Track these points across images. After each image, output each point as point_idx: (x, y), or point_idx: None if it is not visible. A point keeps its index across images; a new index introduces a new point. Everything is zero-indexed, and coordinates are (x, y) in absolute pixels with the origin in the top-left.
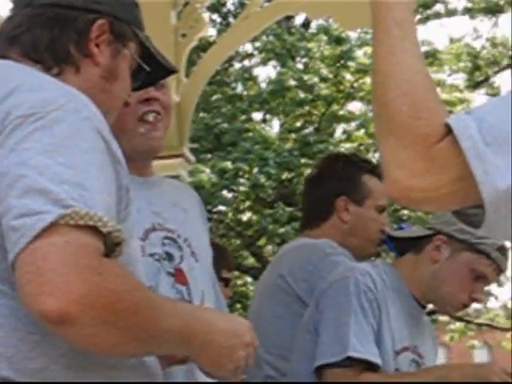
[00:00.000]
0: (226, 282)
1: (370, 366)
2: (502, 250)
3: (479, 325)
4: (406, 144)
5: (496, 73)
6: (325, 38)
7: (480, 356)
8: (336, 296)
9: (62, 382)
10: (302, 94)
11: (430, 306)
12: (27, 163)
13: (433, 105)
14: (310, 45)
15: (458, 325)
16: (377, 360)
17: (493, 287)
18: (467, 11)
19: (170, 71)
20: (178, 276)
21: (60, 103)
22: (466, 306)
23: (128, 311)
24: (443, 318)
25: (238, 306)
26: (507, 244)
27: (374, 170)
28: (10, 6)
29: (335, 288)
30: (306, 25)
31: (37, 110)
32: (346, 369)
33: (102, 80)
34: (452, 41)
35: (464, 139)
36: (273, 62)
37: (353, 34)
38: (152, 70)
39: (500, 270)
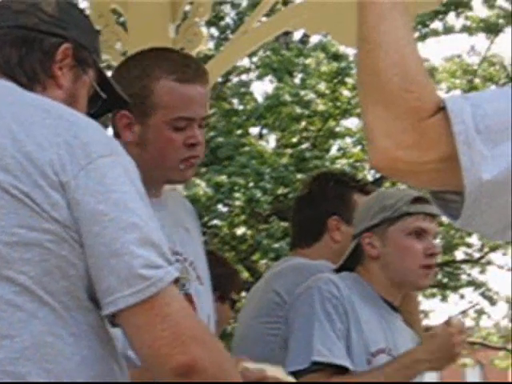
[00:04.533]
0: (232, 304)
1: (340, 370)
2: (417, 199)
3: (471, 343)
4: (395, 115)
5: None
6: (322, 54)
7: (472, 375)
8: (301, 307)
9: (64, 382)
10: (298, 110)
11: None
12: (135, 212)
13: (423, 79)
14: (308, 61)
15: None
16: (344, 362)
17: (485, 305)
18: (465, 29)
19: (125, 102)
20: (188, 302)
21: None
22: (428, 266)
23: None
24: None
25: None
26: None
27: (364, 189)
28: None
29: (300, 300)
30: (304, 41)
31: (113, 151)
32: (316, 374)
33: (65, 103)
34: (448, 58)
35: (456, 122)
36: (270, 77)
37: (350, 51)
38: (107, 99)
39: (430, 216)
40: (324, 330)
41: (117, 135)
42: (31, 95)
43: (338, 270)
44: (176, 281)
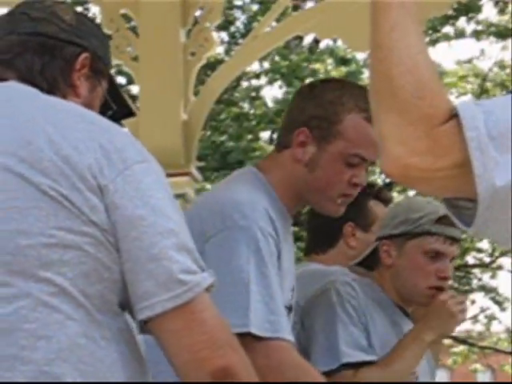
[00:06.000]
0: None
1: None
2: (443, 219)
3: (482, 348)
4: (409, 122)
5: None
6: (330, 60)
7: (483, 379)
8: (320, 309)
9: (68, 382)
10: None
11: None
12: (172, 218)
13: (436, 86)
14: (316, 65)
15: (461, 348)
16: (371, 358)
17: (496, 311)
18: (476, 34)
19: (131, 113)
20: None
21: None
22: (438, 288)
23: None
24: (446, 341)
25: None
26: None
27: (380, 196)
28: None
29: (318, 302)
30: (311, 47)
31: (146, 158)
32: (342, 372)
33: None
34: (459, 63)
35: (469, 128)
36: (279, 82)
37: (359, 55)
38: (116, 109)
39: (451, 239)
40: (348, 329)
41: (284, 147)
42: (60, 100)
43: (357, 265)
44: (208, 288)
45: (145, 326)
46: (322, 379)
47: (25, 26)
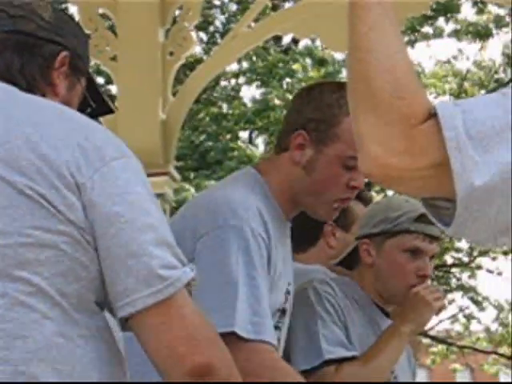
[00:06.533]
0: None
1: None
2: (422, 217)
3: (461, 347)
4: (386, 121)
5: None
6: (308, 60)
7: (462, 379)
8: (299, 308)
9: (63, 382)
10: None
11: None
12: (150, 213)
13: (414, 86)
14: (295, 66)
15: (440, 347)
16: (351, 353)
17: (475, 311)
18: (455, 33)
19: (109, 110)
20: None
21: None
22: (415, 286)
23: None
24: (425, 341)
25: None
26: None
27: (360, 196)
28: None
29: (297, 301)
30: (287, 48)
31: (124, 153)
32: (324, 369)
33: None
34: (438, 63)
35: (448, 128)
36: (257, 82)
37: (337, 56)
38: (94, 107)
39: (430, 237)
40: (328, 327)
41: (283, 150)
42: (39, 98)
43: (337, 265)
44: (189, 283)
45: (126, 323)
46: (303, 381)
47: (3, 24)
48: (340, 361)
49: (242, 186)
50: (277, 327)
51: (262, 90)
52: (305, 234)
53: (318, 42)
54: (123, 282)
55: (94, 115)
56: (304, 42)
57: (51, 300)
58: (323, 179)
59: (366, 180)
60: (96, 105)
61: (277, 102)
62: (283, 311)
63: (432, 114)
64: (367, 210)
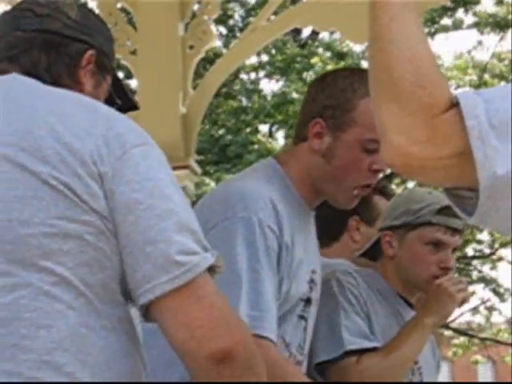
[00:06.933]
0: None
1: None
2: (444, 209)
3: (483, 339)
4: (409, 111)
5: None
6: (328, 54)
7: (484, 371)
8: (322, 299)
9: (58, 382)
10: None
11: None
12: (171, 199)
13: (436, 76)
14: (313, 60)
15: (462, 339)
16: (373, 344)
17: (496, 302)
18: (474, 25)
19: (135, 107)
20: None
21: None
22: (438, 277)
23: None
24: (447, 333)
25: None
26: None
27: (384, 191)
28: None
29: (320, 293)
30: (304, 43)
31: (146, 141)
32: (345, 359)
33: None
34: (458, 54)
35: (470, 117)
36: (277, 76)
37: (357, 48)
38: (120, 104)
39: (452, 229)
40: (350, 317)
41: (302, 140)
42: (60, 89)
43: (360, 256)
44: (212, 269)
45: (147, 312)
46: (302, 376)
47: (30, 23)
48: (362, 352)
49: (259, 177)
50: (302, 316)
51: (281, 83)
52: (329, 227)
53: (336, 35)
54: (142, 269)
55: (119, 111)
56: (322, 36)
57: (75, 290)
58: (344, 165)
59: (387, 172)
60: (121, 101)
61: (296, 95)
62: (308, 300)
63: (454, 104)
64: (390, 203)
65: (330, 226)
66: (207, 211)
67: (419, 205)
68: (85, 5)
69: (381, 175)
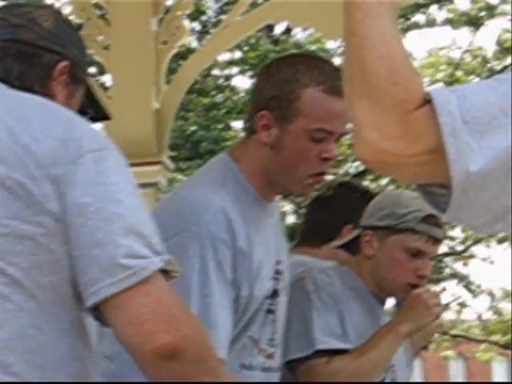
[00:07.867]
0: None
1: (338, 353)
2: (428, 218)
3: (454, 336)
4: (382, 107)
5: None
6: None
7: (455, 367)
8: (296, 296)
9: (59, 382)
10: None
11: None
12: (123, 203)
13: (409, 72)
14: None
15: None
16: (344, 346)
17: (468, 298)
18: (447, 22)
19: (106, 117)
20: None
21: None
22: (414, 286)
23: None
24: None
25: None
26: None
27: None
28: None
29: (294, 289)
30: (277, 39)
31: (103, 146)
32: (315, 359)
33: None
34: (431, 51)
35: (443, 114)
36: (250, 72)
37: (332, 44)
38: (92, 113)
39: (433, 239)
40: (322, 317)
41: (252, 132)
42: (23, 93)
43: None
44: (165, 272)
45: (99, 315)
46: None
47: (4, 32)
48: (333, 352)
49: (210, 181)
50: (269, 310)
51: (254, 80)
52: (322, 230)
53: (308, 32)
54: (89, 272)
55: (92, 121)
56: (294, 33)
57: (27, 291)
58: (293, 156)
59: (361, 169)
60: (93, 111)
61: None
62: (274, 293)
63: (427, 100)
64: (375, 200)
65: (324, 229)
66: (159, 223)
67: (405, 210)
68: (60, 13)
69: (331, 163)
